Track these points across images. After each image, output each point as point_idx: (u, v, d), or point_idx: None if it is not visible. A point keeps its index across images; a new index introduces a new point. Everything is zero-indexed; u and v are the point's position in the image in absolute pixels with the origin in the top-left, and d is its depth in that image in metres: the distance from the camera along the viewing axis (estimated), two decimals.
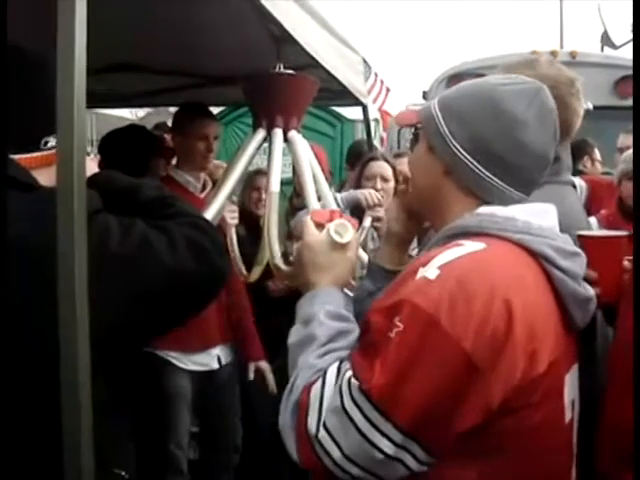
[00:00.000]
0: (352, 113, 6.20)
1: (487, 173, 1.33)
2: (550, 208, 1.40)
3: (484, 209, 1.33)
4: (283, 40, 2.31)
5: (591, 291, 1.40)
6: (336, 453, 1.18)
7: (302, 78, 2.57)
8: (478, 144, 1.33)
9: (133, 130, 3.42)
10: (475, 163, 1.33)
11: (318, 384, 1.23)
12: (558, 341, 1.29)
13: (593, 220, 3.53)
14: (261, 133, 2.51)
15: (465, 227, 1.31)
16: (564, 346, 1.31)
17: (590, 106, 3.67)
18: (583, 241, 1.64)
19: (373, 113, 5.23)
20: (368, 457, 1.17)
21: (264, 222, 2.51)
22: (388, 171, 3.42)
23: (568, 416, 1.33)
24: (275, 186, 2.47)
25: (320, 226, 1.46)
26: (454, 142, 1.34)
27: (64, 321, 1.20)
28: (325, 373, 1.24)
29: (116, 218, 1.32)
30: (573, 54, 6.34)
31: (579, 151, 4.61)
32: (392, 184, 3.42)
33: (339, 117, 6.58)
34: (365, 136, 6.01)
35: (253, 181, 3.85)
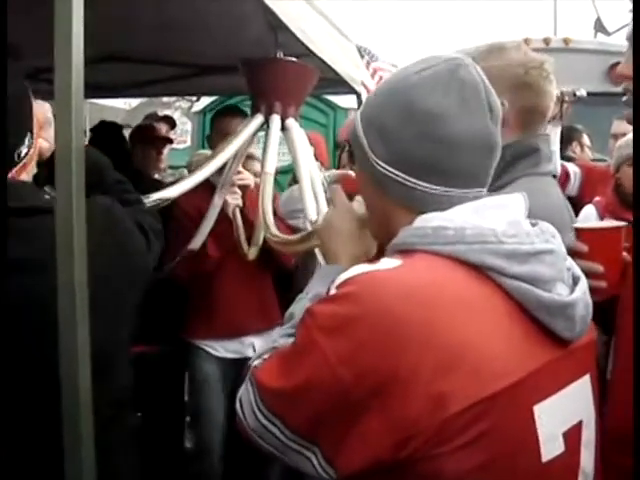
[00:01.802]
0: (345, 101, 6.19)
1: (416, 181, 1.18)
2: (508, 200, 1.22)
3: (419, 220, 1.18)
4: (281, 28, 2.30)
5: (570, 297, 1.16)
6: (249, 423, 1.17)
7: (304, 66, 2.58)
8: (398, 153, 1.19)
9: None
10: (400, 174, 1.19)
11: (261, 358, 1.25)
12: (519, 364, 1.09)
13: (591, 208, 3.55)
14: (259, 118, 2.52)
15: (395, 245, 1.18)
16: (535, 368, 1.11)
17: (584, 93, 3.69)
18: (583, 234, 1.63)
19: None
20: (269, 440, 1.16)
21: (259, 200, 2.53)
22: None
23: (548, 454, 1.11)
24: (270, 167, 2.50)
25: (350, 196, 1.43)
26: (374, 157, 1.21)
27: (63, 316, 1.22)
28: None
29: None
30: (566, 41, 6.36)
31: (568, 137, 4.63)
32: None
33: (332, 105, 6.57)
34: None
35: (244, 166, 3.85)
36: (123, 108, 14.68)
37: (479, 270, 1.10)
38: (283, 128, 2.55)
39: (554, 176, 2.00)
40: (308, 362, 1.08)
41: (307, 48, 2.49)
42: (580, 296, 1.18)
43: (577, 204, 3.82)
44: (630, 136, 3.44)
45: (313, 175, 2.60)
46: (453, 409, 1.01)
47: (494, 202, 1.20)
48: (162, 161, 4.86)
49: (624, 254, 1.62)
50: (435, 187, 1.18)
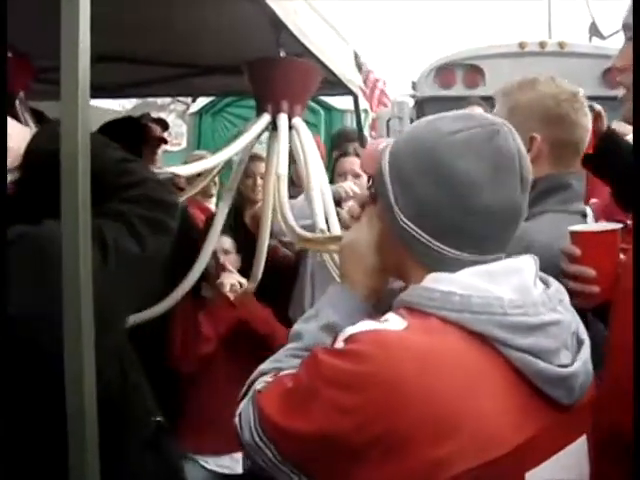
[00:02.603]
0: (341, 103, 6.21)
1: (439, 245, 1.19)
2: (520, 264, 1.21)
3: (430, 280, 1.18)
4: (281, 27, 2.31)
5: (571, 368, 1.17)
6: (245, 438, 1.22)
7: (309, 64, 2.59)
8: (424, 215, 1.19)
9: (126, 123, 3.44)
10: (423, 235, 1.19)
11: (265, 377, 1.29)
12: (516, 432, 1.12)
13: (587, 210, 3.56)
14: (266, 117, 2.51)
15: (403, 302, 1.19)
16: (532, 435, 1.13)
17: (582, 93, 3.70)
18: (577, 237, 1.59)
19: (362, 103, 5.24)
20: (261, 457, 1.20)
21: (275, 205, 2.51)
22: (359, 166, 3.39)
23: None
24: (283, 169, 2.47)
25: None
26: (398, 211, 1.21)
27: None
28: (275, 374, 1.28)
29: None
30: (562, 45, 6.38)
31: None
32: (364, 180, 3.37)
33: (328, 107, 6.59)
34: (354, 125, 6.10)
35: (247, 168, 3.85)
36: (118, 110, 14.70)
37: (484, 338, 1.12)
38: (290, 128, 2.55)
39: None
40: (310, 409, 1.12)
41: (305, 48, 2.50)
42: (581, 365, 1.19)
43: None
44: (628, 138, 3.46)
45: (322, 181, 2.60)
46: (447, 474, 1.04)
47: (506, 266, 1.20)
48: (156, 161, 4.85)
49: (621, 256, 1.59)
50: (457, 252, 1.19)
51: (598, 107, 2.19)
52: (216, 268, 3.19)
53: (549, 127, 1.86)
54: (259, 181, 3.66)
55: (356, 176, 3.37)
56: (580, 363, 1.19)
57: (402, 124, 6.96)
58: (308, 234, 2.34)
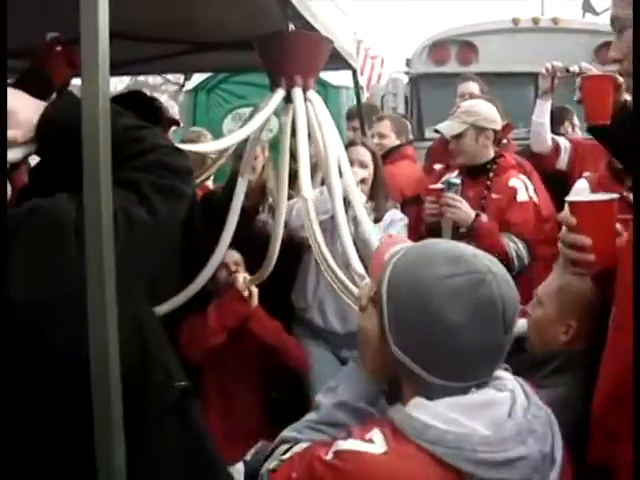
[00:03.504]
0: (336, 79, 6.23)
1: (427, 375, 1.33)
2: (496, 399, 1.34)
3: (414, 406, 1.34)
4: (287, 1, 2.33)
5: None
6: None
7: (319, 37, 2.60)
8: (410, 346, 1.33)
9: (135, 96, 3.43)
10: (414, 366, 1.33)
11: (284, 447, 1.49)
12: None
13: (583, 182, 3.63)
14: (280, 92, 2.51)
15: (392, 420, 1.34)
16: None
17: (577, 69, 3.75)
18: (574, 207, 1.65)
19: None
20: None
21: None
22: (365, 156, 3.40)
23: None
24: (303, 145, 2.50)
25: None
26: (391, 341, 1.36)
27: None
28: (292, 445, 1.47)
29: None
30: (555, 21, 6.43)
31: (560, 117, 4.72)
32: (371, 169, 3.41)
33: (324, 83, 6.61)
34: (349, 102, 6.13)
35: (242, 150, 3.88)
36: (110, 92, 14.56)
37: (454, 469, 1.26)
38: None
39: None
40: None
41: (307, 21, 2.52)
42: None
43: (567, 178, 3.92)
44: None
45: (340, 152, 2.60)
46: None
47: (484, 400, 1.33)
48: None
49: (617, 227, 1.64)
50: (441, 381, 1.32)
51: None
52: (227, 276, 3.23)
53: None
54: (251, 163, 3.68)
55: (362, 166, 3.39)
56: None
57: (396, 100, 7.01)
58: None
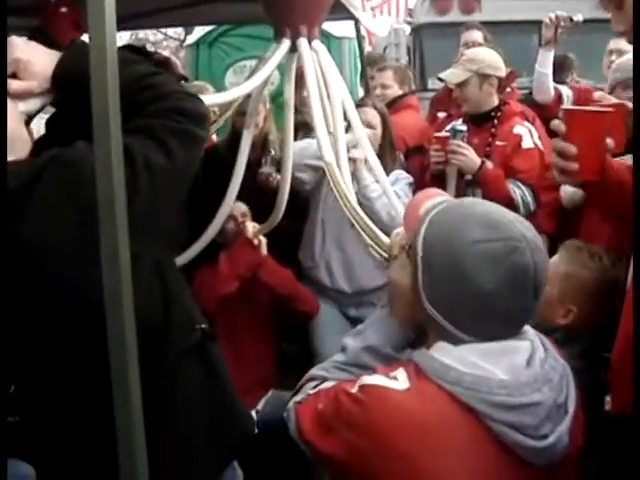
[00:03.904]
0: (338, 30, 6.18)
1: (456, 331, 1.38)
2: (515, 347, 1.40)
3: (437, 348, 1.40)
4: None
5: (550, 439, 1.35)
6: (290, 429, 1.54)
7: None
8: (446, 308, 1.38)
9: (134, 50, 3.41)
10: (443, 321, 1.39)
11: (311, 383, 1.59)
12: None
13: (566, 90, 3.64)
14: (286, 43, 2.52)
15: (415, 361, 1.41)
16: None
17: (581, 18, 3.74)
18: (565, 114, 1.67)
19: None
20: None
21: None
22: (375, 118, 3.41)
23: None
24: (314, 93, 2.51)
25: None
26: (424, 297, 1.41)
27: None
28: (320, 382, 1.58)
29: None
30: None
31: (562, 66, 4.70)
32: (379, 131, 3.41)
33: (326, 35, 6.56)
34: (352, 52, 6.10)
35: (243, 104, 3.85)
36: None
37: (470, 409, 1.32)
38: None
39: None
40: (328, 435, 1.42)
41: None
42: (559, 437, 1.36)
43: None
44: (625, 58, 3.51)
45: (347, 106, 2.60)
46: None
47: (503, 348, 1.38)
48: None
49: (608, 141, 1.63)
50: (468, 337, 1.38)
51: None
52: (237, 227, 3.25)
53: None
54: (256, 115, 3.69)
55: (370, 127, 3.36)
56: (557, 435, 1.36)
57: (399, 51, 6.98)
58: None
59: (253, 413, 3.16)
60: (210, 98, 2.56)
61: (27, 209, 1.30)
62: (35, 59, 1.46)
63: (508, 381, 1.34)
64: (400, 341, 1.57)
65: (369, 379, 1.40)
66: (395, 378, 1.38)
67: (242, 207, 3.29)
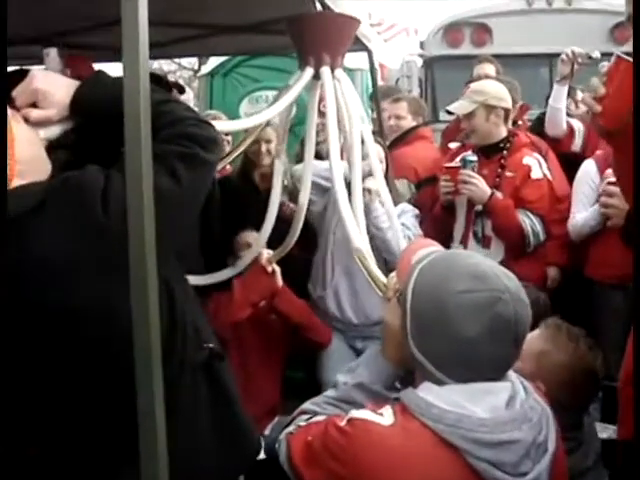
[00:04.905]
0: (350, 62, 6.24)
1: (441, 375, 1.44)
2: (496, 389, 1.45)
3: (423, 388, 1.47)
4: None
5: (529, 476, 1.41)
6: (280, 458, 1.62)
7: (346, 17, 2.64)
8: (427, 349, 1.45)
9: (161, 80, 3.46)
10: (430, 367, 1.45)
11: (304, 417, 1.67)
12: None
13: (591, 163, 3.65)
14: (309, 71, 2.54)
15: (401, 399, 1.48)
16: None
17: (599, 55, 3.75)
18: (619, 62, 1.70)
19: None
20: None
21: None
22: (381, 153, 3.41)
23: None
24: (333, 122, 2.49)
25: None
26: (412, 343, 1.47)
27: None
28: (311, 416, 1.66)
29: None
30: (568, 1, 6.41)
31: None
32: (383, 166, 3.38)
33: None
34: (364, 83, 6.14)
35: (259, 133, 3.89)
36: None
37: (452, 446, 1.38)
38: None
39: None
40: (315, 465, 1.49)
41: (322, 2, 2.56)
42: (537, 475, 1.42)
43: (581, 160, 3.94)
44: None
45: (364, 130, 2.63)
46: None
47: (485, 388, 1.44)
48: None
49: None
50: (452, 381, 1.44)
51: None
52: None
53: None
54: (263, 147, 3.72)
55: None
56: (536, 473, 1.42)
57: (411, 83, 7.03)
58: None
59: (260, 439, 3.15)
60: (231, 125, 2.58)
61: (35, 228, 1.35)
62: (54, 89, 1.52)
63: (488, 419, 1.40)
64: (390, 379, 1.64)
65: (357, 413, 1.47)
66: (381, 414, 1.45)
67: (256, 235, 3.31)
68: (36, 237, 1.35)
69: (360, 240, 2.36)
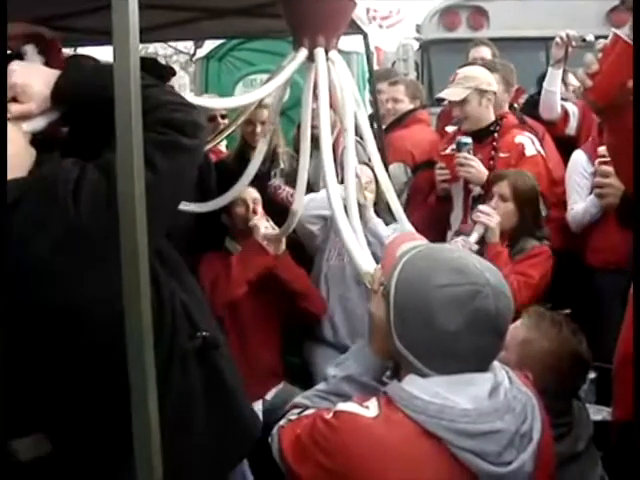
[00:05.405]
0: (346, 45, 6.21)
1: (422, 367, 1.47)
2: (478, 379, 1.48)
3: (407, 381, 1.49)
4: None
5: (513, 466, 1.43)
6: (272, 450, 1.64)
7: None
8: (410, 342, 1.48)
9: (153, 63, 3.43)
10: (412, 358, 1.48)
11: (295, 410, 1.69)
12: None
13: (580, 154, 3.65)
14: (303, 52, 2.53)
15: (386, 392, 1.51)
16: None
17: (592, 38, 3.74)
18: (616, 41, 1.69)
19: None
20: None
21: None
22: (371, 176, 3.36)
23: None
24: (324, 103, 2.46)
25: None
26: (395, 335, 1.50)
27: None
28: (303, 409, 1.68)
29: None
30: None
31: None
32: (373, 186, 3.39)
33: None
34: (361, 67, 6.12)
35: (252, 114, 3.87)
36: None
37: (435, 437, 1.41)
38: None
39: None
40: (303, 458, 1.52)
41: None
42: (521, 464, 1.44)
43: (576, 142, 3.94)
44: None
45: (357, 112, 2.61)
46: None
47: (467, 379, 1.47)
48: None
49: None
50: (434, 372, 1.47)
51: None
52: (247, 212, 3.27)
53: None
54: (258, 128, 3.70)
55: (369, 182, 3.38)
56: (520, 462, 1.44)
57: (407, 66, 7.00)
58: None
59: (260, 402, 3.22)
60: (223, 102, 2.56)
61: (13, 224, 1.36)
62: (32, 82, 1.51)
63: (470, 410, 1.43)
64: (379, 371, 1.68)
65: (343, 406, 1.51)
66: (367, 407, 1.48)
67: (254, 193, 3.31)
68: (10, 234, 1.36)
69: (367, 263, 2.28)
